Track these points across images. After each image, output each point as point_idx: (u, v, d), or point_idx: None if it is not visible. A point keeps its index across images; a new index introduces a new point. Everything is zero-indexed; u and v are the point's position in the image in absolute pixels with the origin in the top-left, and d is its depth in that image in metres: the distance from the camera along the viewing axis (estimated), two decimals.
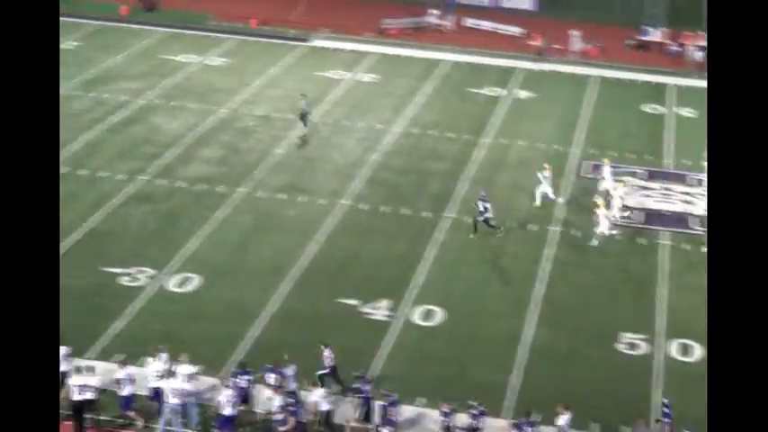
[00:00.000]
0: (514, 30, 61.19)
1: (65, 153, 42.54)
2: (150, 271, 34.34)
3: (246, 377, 27.39)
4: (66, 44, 56.67)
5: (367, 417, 27.20)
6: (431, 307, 33.27)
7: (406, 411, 27.78)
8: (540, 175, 40.28)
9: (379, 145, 45.50)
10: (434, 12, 63.53)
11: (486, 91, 53.04)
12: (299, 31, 61.05)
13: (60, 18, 56.54)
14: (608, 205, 38.49)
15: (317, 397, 27.11)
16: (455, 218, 38.69)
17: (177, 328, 31.34)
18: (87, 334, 30.12)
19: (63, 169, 41.08)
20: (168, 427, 26.66)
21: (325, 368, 28.60)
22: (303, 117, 46.09)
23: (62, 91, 49.25)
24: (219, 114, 47.83)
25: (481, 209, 37.48)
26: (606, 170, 41.17)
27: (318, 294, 33.78)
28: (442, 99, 51.79)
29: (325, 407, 27.09)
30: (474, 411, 26.58)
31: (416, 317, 32.77)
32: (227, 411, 26.35)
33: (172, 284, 33.80)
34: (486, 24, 62.87)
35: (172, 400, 26.46)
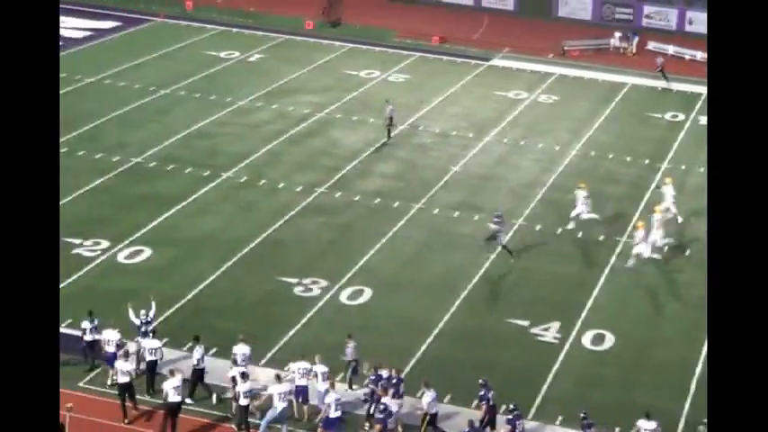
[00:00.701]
0: (700, 55, 60.01)
1: (245, 163, 43.66)
2: (324, 282, 34.87)
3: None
4: (252, 56, 58.15)
5: (490, 424, 27.24)
6: (601, 331, 32.88)
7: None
8: (577, 193, 39.27)
9: (555, 166, 45.22)
10: (618, 34, 62.88)
11: (667, 116, 52.20)
12: (480, 50, 61.20)
13: (246, 31, 57.67)
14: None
15: (429, 398, 27.21)
16: (627, 242, 38.12)
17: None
18: (261, 342, 30.70)
19: (243, 178, 42.19)
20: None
21: (350, 361, 29.16)
22: (391, 123, 46.68)
23: (244, 102, 50.68)
24: (398, 130, 48.28)
25: (496, 230, 36.83)
26: (668, 190, 39.96)
27: (488, 313, 33.76)
28: (621, 122, 51.16)
29: (434, 410, 27.20)
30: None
31: (586, 341, 32.42)
32: (333, 414, 26.76)
33: (344, 296, 34.26)
34: (670, 48, 61.85)
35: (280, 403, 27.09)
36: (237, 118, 49.04)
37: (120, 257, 35.85)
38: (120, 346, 28.68)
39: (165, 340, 29.93)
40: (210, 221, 38.65)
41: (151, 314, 29.62)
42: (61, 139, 44.79)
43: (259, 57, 58.42)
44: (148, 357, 28.66)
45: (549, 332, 32.65)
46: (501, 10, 68.77)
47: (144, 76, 53.77)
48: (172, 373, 27.25)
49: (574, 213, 38.96)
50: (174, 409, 26.92)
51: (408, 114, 50.28)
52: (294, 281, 34.81)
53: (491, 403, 27.28)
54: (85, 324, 29.54)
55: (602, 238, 38.81)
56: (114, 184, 41.44)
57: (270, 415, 26.89)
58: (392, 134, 47.12)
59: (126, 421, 27.49)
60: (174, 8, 66.21)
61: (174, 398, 26.84)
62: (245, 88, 52.74)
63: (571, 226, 39.05)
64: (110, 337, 28.86)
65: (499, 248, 37.01)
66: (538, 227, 39.36)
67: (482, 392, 27.40)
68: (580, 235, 38.82)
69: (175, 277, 34.89)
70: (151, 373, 28.61)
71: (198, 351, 28.48)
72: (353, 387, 29.20)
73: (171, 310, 32.67)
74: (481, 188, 42.87)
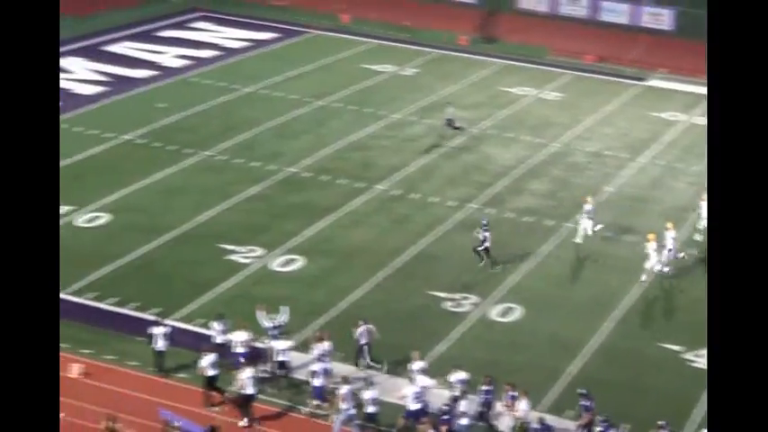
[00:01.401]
0: None
1: (399, 176, 43.96)
2: (474, 298, 34.85)
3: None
4: (406, 70, 58.53)
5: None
6: None
7: None
8: (585, 207, 38.72)
9: None
10: None
11: None
12: (636, 69, 60.48)
13: (401, 45, 57.98)
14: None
15: (525, 405, 27.53)
16: None
17: (497, 356, 31.65)
18: (410, 355, 30.84)
19: (396, 192, 42.47)
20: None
21: (361, 344, 29.96)
22: (449, 124, 48.05)
23: (398, 116, 51.01)
24: (551, 148, 48.03)
25: (481, 238, 36.55)
26: (703, 206, 38.80)
27: (641, 336, 33.30)
28: None
29: (528, 418, 27.48)
30: None
31: None
32: (413, 406, 27.28)
33: (494, 313, 34.18)
34: None
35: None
36: (391, 131, 49.40)
37: (274, 265, 36.41)
38: (248, 347, 29.42)
39: (292, 343, 30.25)
40: (363, 233, 38.99)
41: (282, 319, 30.19)
42: (219, 147, 45.91)
43: (413, 71, 58.77)
44: (279, 358, 29.32)
45: (703, 357, 32.03)
46: (658, 30, 67.81)
47: (300, 87, 54.58)
48: (246, 364, 28.24)
49: (582, 226, 38.60)
50: (247, 400, 27.82)
51: (561, 132, 49.96)
52: (444, 295, 34.87)
53: (591, 413, 27.35)
54: (216, 326, 30.25)
55: None
56: (269, 193, 42.14)
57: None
58: (449, 135, 47.89)
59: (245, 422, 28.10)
60: (330, 21, 67.08)
61: (248, 389, 27.68)
62: (399, 102, 53.11)
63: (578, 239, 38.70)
64: (239, 338, 29.51)
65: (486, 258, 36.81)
66: (693, 251, 38.61)
67: (583, 402, 27.55)
68: None
69: (327, 287, 35.28)
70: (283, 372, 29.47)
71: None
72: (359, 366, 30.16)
73: (321, 320, 33.03)
74: (634, 210, 42.34)
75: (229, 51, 60.42)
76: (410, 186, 43.26)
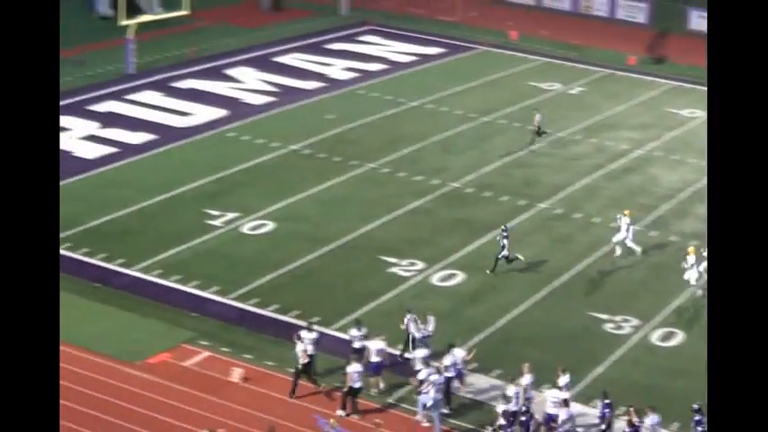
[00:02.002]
0: None
1: (562, 195, 43.62)
2: (635, 321, 34.31)
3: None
4: (573, 89, 58.08)
5: None
6: None
7: None
8: (619, 221, 38.24)
9: None
10: None
11: None
12: None
13: (568, 63, 57.60)
14: None
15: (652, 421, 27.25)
16: None
17: (656, 380, 31.09)
18: (572, 375, 30.55)
19: (558, 210, 42.13)
20: None
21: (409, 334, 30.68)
22: (538, 131, 48.82)
23: (563, 134, 50.63)
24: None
25: (501, 244, 36.42)
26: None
27: None
28: None
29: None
30: None
31: None
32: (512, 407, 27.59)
33: (655, 337, 33.58)
34: None
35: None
36: (556, 149, 49.05)
37: (434, 279, 36.50)
38: (383, 356, 29.69)
39: (428, 352, 30.22)
40: (523, 251, 38.71)
41: (430, 329, 30.43)
42: (383, 160, 46.29)
43: (580, 89, 58.28)
44: (446, 374, 29.31)
45: None
46: None
47: (466, 102, 54.65)
48: (356, 359, 28.86)
49: (618, 239, 38.34)
50: (352, 393, 28.67)
51: None
52: (605, 317, 34.43)
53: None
54: (354, 332, 30.60)
55: None
56: (432, 207, 42.28)
57: None
58: (536, 140, 48.88)
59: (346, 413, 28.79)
60: (498, 37, 67.02)
61: (355, 383, 28.53)
62: (564, 120, 52.71)
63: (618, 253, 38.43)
64: (375, 346, 29.74)
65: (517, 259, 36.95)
66: None
67: (697, 418, 27.33)
68: None
69: (486, 303, 35.20)
70: (446, 387, 29.33)
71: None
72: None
73: (481, 336, 32.96)
74: None
75: (397, 65, 60.91)
76: (573, 206, 42.87)
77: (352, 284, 35.65)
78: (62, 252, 36.88)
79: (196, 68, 58.46)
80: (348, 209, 41.69)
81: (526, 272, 37.25)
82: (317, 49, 63.30)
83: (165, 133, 48.83)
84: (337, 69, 59.62)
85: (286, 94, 55.06)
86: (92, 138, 47.77)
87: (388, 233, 39.56)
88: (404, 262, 37.41)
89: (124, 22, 56.87)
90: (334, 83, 57.24)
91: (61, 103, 51.04)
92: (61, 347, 30.74)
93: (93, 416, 28.27)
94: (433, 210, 41.99)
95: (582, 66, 62.34)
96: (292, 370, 30.01)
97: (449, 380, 29.22)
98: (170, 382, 29.94)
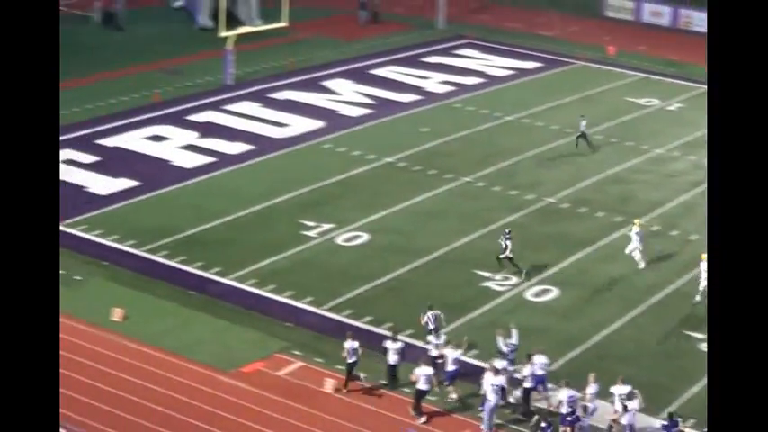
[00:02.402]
0: None
1: (659, 212, 43.14)
2: None
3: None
4: (671, 105, 57.45)
5: None
6: None
7: None
8: (632, 233, 38.39)
9: None
10: None
11: None
12: None
13: (667, 79, 56.82)
14: None
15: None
16: None
17: None
18: (661, 394, 30.17)
19: (655, 227, 41.66)
20: None
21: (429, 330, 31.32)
22: (582, 137, 49.08)
23: (661, 151, 50.12)
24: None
25: (503, 246, 37.09)
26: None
27: None
28: None
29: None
30: None
31: None
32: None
33: None
34: None
35: None
36: (653, 166, 48.54)
37: (529, 295, 36.32)
38: (458, 365, 29.83)
39: (507, 363, 30.09)
40: (619, 267, 38.37)
41: (513, 341, 30.53)
42: (478, 174, 46.21)
43: (678, 106, 57.63)
44: (525, 384, 29.48)
45: None
46: None
47: (562, 117, 54.32)
48: (426, 362, 29.23)
49: (631, 249, 38.41)
50: (419, 395, 29.11)
51: None
52: (700, 336, 33.93)
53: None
54: (432, 339, 30.82)
55: None
56: (526, 222, 42.07)
57: None
58: (579, 146, 49.28)
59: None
60: (596, 52, 66.57)
61: (422, 385, 28.92)
62: (662, 137, 52.15)
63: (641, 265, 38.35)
64: (452, 355, 29.86)
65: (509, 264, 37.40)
66: None
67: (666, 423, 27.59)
68: None
69: (580, 319, 34.92)
70: (526, 396, 29.57)
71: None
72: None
73: (574, 352, 32.72)
74: None
75: (493, 79, 60.81)
76: (670, 223, 42.36)
77: (445, 298, 35.56)
78: (159, 259, 37.50)
79: (293, 80, 58.97)
80: (442, 222, 41.67)
81: (621, 288, 36.92)
82: (413, 63, 63.46)
83: (262, 144, 49.31)
84: (434, 82, 59.71)
85: (382, 106, 55.27)
86: (190, 147, 48.41)
87: (482, 247, 39.42)
88: (497, 276, 37.28)
89: (224, 34, 57.59)
90: (430, 96, 57.33)
91: (161, 112, 52.20)
92: (156, 353, 31.56)
93: (185, 422, 28.59)
94: (527, 224, 41.77)
95: (680, 82, 61.64)
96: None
97: (528, 390, 29.32)
98: (263, 391, 30.17)
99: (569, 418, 27.94)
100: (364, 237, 40.18)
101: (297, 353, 32.15)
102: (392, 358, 30.23)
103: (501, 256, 37.34)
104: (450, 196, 44.28)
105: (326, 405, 29.56)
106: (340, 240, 39.81)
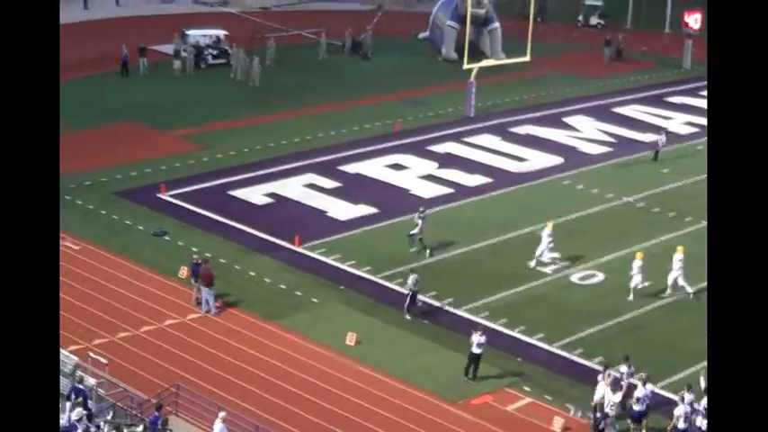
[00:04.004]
0: None
1: None
2: None
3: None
4: None
5: None
6: None
7: None
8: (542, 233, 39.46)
9: None
10: None
11: None
12: None
13: None
14: None
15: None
16: None
17: None
18: None
19: None
20: None
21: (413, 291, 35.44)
22: (659, 147, 51.36)
23: None
24: None
25: (416, 223, 40.45)
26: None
27: None
28: None
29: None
30: None
31: None
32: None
33: None
34: None
35: None
36: None
37: None
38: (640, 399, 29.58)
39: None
40: None
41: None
42: None
43: None
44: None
45: None
46: None
47: None
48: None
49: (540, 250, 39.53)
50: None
51: None
52: None
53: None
54: (623, 369, 30.73)
55: None
56: None
57: None
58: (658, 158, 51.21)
59: None
60: None
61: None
62: None
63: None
64: (639, 394, 29.52)
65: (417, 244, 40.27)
66: None
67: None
68: None
69: None
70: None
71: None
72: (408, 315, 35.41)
73: None
74: None
75: None
76: None
77: (679, 342, 34.75)
78: (393, 286, 38.02)
79: (534, 114, 58.96)
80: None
81: None
82: (657, 102, 62.48)
83: (501, 177, 49.42)
84: (677, 123, 58.59)
85: (623, 144, 54.58)
86: (429, 177, 48.98)
87: None
88: None
89: (467, 66, 58.14)
90: (672, 136, 56.24)
91: (403, 141, 53.06)
92: (385, 379, 31.97)
93: None
94: None
95: None
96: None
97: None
98: (491, 425, 30.15)
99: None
100: (599, 276, 39.69)
101: (526, 388, 32.01)
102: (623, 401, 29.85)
103: (411, 233, 40.46)
104: (689, 239, 43.16)
105: None
106: (575, 278, 39.45)
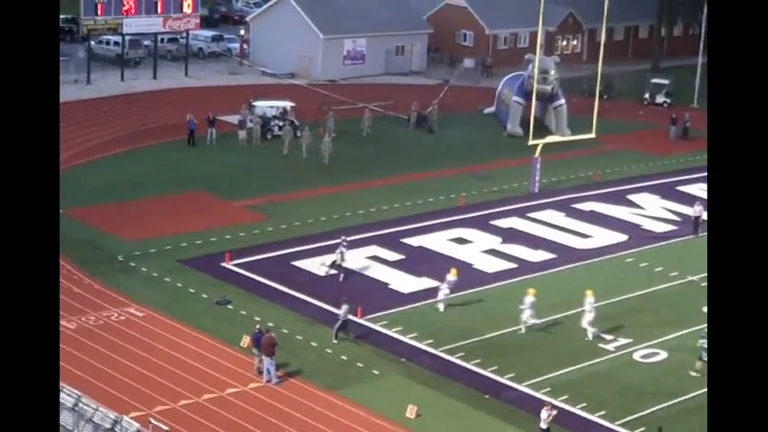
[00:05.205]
0: None
1: None
2: None
3: None
4: None
5: None
6: None
7: None
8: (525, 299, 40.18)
9: None
10: None
11: None
12: None
13: None
14: None
15: None
16: None
17: None
18: None
19: None
20: None
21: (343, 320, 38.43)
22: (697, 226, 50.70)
23: None
24: None
25: (338, 252, 44.21)
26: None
27: None
28: None
29: None
30: None
31: None
32: None
33: None
34: None
35: None
36: None
37: None
38: None
39: None
40: None
41: None
42: None
43: None
44: None
45: None
46: None
47: None
48: None
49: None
50: None
51: None
52: None
53: None
54: None
55: None
56: None
57: None
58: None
59: None
60: None
61: None
62: None
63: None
64: None
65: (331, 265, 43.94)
66: None
67: None
68: None
69: None
70: None
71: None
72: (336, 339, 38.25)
73: None
74: None
75: None
76: None
77: None
78: (455, 360, 37.89)
79: (599, 191, 58.88)
80: None
81: None
82: None
83: (564, 253, 49.28)
84: None
85: (687, 224, 54.21)
86: (492, 252, 48.97)
87: None
88: None
89: (532, 142, 58.30)
90: None
91: (466, 215, 53.11)
92: None
93: None
94: None
95: None
96: None
97: None
98: None
99: None
100: (662, 354, 39.33)
101: None
102: None
103: (336, 261, 44.03)
104: None
105: None
106: (637, 356, 39.12)
